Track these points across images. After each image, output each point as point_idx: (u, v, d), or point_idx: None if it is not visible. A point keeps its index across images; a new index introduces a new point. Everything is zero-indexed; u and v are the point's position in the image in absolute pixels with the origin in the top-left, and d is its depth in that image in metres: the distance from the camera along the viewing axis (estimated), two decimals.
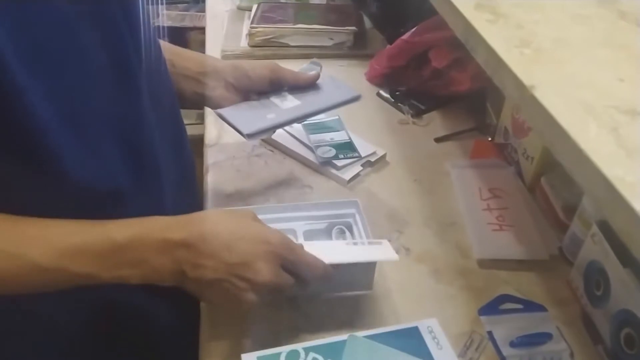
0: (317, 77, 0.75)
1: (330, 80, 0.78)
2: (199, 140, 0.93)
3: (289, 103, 0.73)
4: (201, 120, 1.12)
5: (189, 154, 0.76)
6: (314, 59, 0.81)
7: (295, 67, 0.78)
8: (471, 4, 0.49)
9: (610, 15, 0.48)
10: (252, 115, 0.70)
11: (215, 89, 0.71)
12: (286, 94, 0.74)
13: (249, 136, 0.68)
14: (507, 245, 0.72)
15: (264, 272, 0.51)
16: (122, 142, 0.54)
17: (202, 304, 0.64)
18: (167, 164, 0.62)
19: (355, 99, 0.76)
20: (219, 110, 0.70)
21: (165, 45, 0.71)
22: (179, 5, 1.66)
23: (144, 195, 0.57)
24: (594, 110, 0.36)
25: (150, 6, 0.63)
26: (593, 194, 0.32)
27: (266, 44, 1.12)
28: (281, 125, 0.71)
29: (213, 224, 0.52)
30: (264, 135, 0.76)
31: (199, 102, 0.74)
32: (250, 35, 1.12)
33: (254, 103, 0.73)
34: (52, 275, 0.48)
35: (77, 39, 0.47)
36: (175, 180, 0.66)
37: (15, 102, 0.43)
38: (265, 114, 0.70)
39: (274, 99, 0.73)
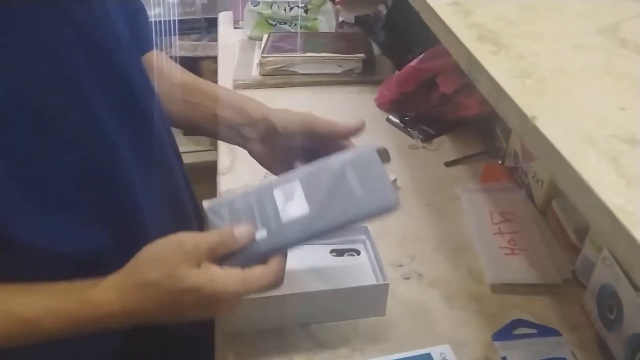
0: (360, 127, 0.61)
1: (370, 164, 0.53)
2: (212, 167, 0.95)
3: (294, 209, 0.52)
4: (214, 146, 1.14)
5: (190, 210, 0.70)
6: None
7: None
8: (473, 35, 0.50)
9: (611, 44, 0.49)
10: None
11: (251, 142, 0.65)
12: (297, 185, 0.53)
13: None
14: (519, 270, 0.72)
15: (223, 310, 0.51)
16: (92, 202, 0.51)
17: (216, 335, 0.65)
18: (159, 221, 0.58)
19: (391, 209, 0.53)
20: (206, 207, 0.55)
21: (207, 89, 0.69)
22: (191, 35, 1.70)
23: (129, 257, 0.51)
24: (595, 139, 0.37)
25: (163, 37, 0.65)
26: (595, 222, 0.33)
27: (277, 72, 1.15)
28: (265, 255, 0.51)
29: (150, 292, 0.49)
30: None
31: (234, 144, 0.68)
32: (261, 64, 1.15)
33: (250, 200, 0.54)
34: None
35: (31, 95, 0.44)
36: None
37: None
38: None
39: (279, 194, 0.53)
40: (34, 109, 0.45)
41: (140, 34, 0.66)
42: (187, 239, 0.48)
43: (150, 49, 0.70)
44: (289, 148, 0.62)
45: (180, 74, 0.71)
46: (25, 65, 0.44)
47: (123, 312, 0.48)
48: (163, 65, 0.69)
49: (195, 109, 0.67)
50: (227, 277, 0.48)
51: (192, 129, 0.71)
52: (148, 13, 0.71)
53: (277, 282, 0.51)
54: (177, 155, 0.69)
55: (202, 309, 0.49)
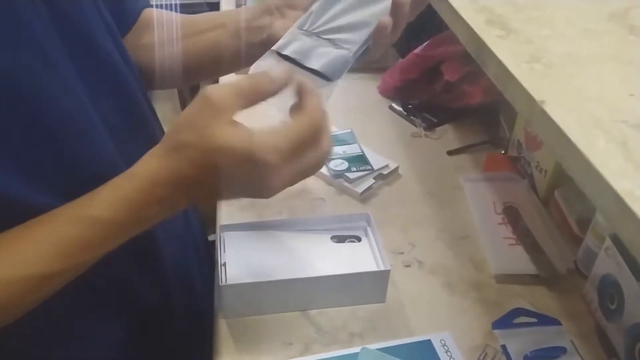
0: None
1: None
2: None
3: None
4: None
5: None
6: None
7: None
8: (482, 19, 0.49)
9: (620, 30, 0.48)
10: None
11: (272, 25, 0.58)
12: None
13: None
14: (524, 260, 0.72)
15: (272, 180, 0.45)
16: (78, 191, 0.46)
17: (216, 320, 0.65)
18: None
19: None
20: (282, 51, 0.50)
21: (225, 10, 0.65)
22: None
23: None
24: (603, 124, 0.36)
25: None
26: (602, 207, 0.33)
27: None
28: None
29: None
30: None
31: (260, 52, 0.57)
32: None
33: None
34: (66, 276, 0.46)
35: None
36: None
37: None
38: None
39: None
40: (16, 91, 0.41)
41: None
42: (212, 91, 0.44)
43: (146, 6, 0.67)
44: None
45: (182, 17, 0.67)
46: (3, 45, 0.41)
47: (169, 179, 0.44)
48: (164, 15, 0.67)
49: (205, 38, 0.63)
50: (265, 132, 0.43)
51: (208, 65, 0.65)
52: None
53: (322, 123, 0.45)
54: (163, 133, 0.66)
55: (245, 175, 0.44)
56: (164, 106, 1.71)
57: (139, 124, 0.58)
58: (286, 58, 0.49)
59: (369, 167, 0.85)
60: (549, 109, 0.38)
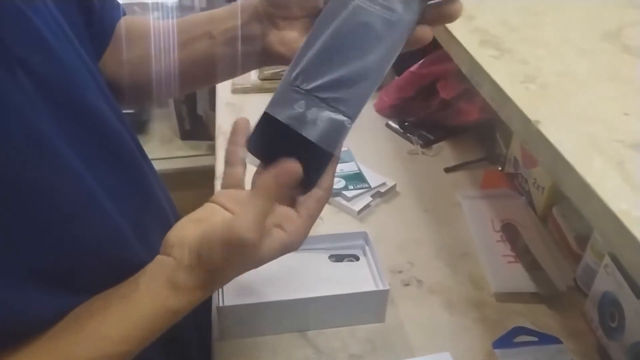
0: None
1: None
2: (210, 172, 0.94)
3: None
4: (212, 151, 1.13)
5: None
6: None
7: None
8: (476, 40, 0.50)
9: (614, 50, 0.48)
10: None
11: (266, 37, 0.52)
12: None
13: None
14: (524, 278, 0.72)
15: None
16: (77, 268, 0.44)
17: (214, 342, 0.64)
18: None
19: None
20: (277, 115, 0.43)
21: (203, 15, 0.58)
22: None
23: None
24: (599, 144, 0.36)
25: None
26: (600, 227, 0.33)
27: (275, 77, 1.14)
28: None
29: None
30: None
31: (256, 62, 0.55)
32: (259, 69, 1.14)
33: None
34: None
35: None
36: None
37: None
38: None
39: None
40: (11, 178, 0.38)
41: (105, 15, 0.60)
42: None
43: (120, 17, 0.62)
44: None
45: (166, 22, 0.62)
46: None
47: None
48: (144, 25, 0.61)
49: (192, 51, 0.58)
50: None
51: (199, 77, 0.61)
52: (147, 17, 0.67)
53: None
54: (158, 180, 0.63)
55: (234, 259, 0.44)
56: (162, 126, 1.72)
57: (136, 178, 0.55)
58: (278, 122, 0.43)
59: (367, 185, 0.85)
60: (545, 129, 0.38)
